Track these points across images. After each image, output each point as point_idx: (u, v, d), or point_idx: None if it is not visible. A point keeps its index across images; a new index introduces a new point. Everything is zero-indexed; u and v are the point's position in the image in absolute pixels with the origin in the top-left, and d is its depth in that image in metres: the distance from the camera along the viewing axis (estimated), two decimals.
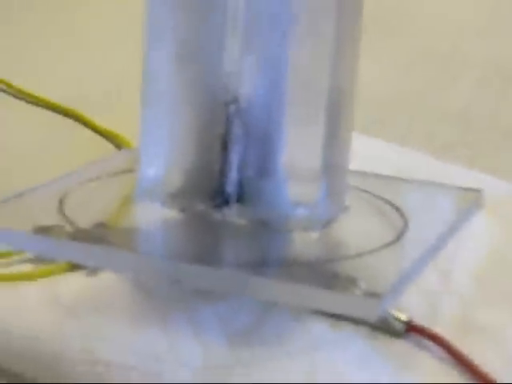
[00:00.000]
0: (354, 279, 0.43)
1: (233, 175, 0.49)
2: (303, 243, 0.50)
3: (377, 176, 0.58)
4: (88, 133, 0.73)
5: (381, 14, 0.49)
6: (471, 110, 0.74)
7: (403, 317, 0.47)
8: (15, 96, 0.79)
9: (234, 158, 0.49)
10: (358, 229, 0.51)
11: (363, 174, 0.57)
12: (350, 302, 0.41)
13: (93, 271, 0.52)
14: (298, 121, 0.48)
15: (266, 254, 0.49)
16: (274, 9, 0.48)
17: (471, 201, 0.56)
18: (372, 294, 0.40)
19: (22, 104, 0.77)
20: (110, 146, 0.71)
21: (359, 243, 0.49)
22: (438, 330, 0.47)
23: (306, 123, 0.48)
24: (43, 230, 0.49)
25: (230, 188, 0.49)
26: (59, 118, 0.75)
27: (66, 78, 0.82)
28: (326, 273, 0.45)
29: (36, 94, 0.77)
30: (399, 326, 0.47)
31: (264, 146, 0.49)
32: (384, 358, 0.46)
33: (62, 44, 0.89)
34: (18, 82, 0.78)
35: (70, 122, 0.75)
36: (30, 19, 0.95)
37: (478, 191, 0.56)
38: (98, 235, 0.50)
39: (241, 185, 0.49)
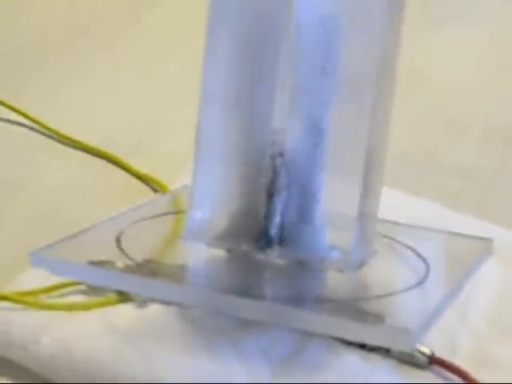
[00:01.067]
0: (383, 315, 0.49)
1: (276, 220, 0.54)
2: (337, 283, 0.55)
3: (398, 224, 0.63)
4: (123, 175, 0.77)
5: None
6: (476, 165, 0.78)
7: (427, 350, 0.52)
8: (59, 140, 0.82)
9: (278, 204, 0.54)
10: (385, 272, 0.57)
11: (386, 222, 0.61)
12: (388, 334, 0.46)
13: (142, 303, 0.56)
14: (338, 173, 0.53)
15: (303, 290, 0.54)
16: (318, 75, 0.53)
17: (482, 248, 0.61)
18: (404, 328, 0.46)
19: (64, 148, 0.82)
20: (143, 187, 0.75)
21: (387, 284, 0.54)
22: (457, 362, 0.52)
23: (344, 176, 0.53)
24: (100, 264, 0.54)
25: (273, 231, 0.54)
26: (97, 160, 0.80)
27: (104, 123, 0.85)
28: (358, 309, 0.51)
29: (75, 138, 0.81)
30: (423, 359, 0.52)
31: (305, 195, 0.54)
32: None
33: (101, 92, 0.92)
34: (61, 128, 0.82)
35: (106, 164, 0.79)
36: (68, 66, 0.98)
37: (488, 240, 0.62)
38: (149, 269, 0.55)
39: (282, 229, 0.54)
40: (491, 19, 1.09)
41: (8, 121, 0.84)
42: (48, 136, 0.83)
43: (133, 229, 0.59)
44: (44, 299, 0.57)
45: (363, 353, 0.52)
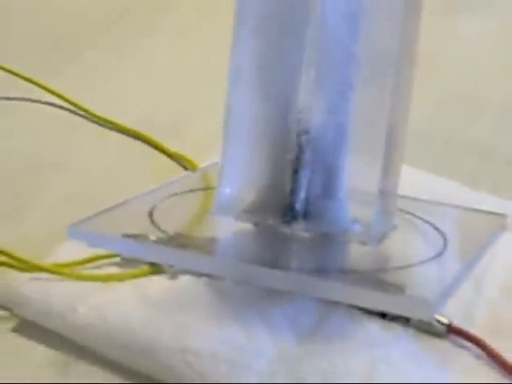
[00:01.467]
0: (404, 286, 0.48)
1: (301, 195, 0.52)
2: (359, 254, 0.53)
3: (417, 200, 0.61)
4: (156, 154, 0.75)
5: None
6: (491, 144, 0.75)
7: (445, 320, 0.50)
8: (95, 122, 0.80)
9: (303, 180, 0.52)
10: (405, 245, 0.55)
11: (406, 198, 0.59)
12: (408, 304, 0.45)
13: (174, 275, 0.55)
14: (360, 151, 0.51)
15: (328, 261, 0.53)
16: (343, 55, 0.51)
17: (498, 223, 0.59)
18: (424, 299, 0.44)
19: (100, 128, 0.79)
20: (175, 166, 0.73)
21: (407, 256, 0.53)
22: (474, 331, 0.50)
23: (366, 153, 0.51)
24: (133, 236, 0.52)
25: (298, 206, 0.52)
26: (131, 141, 0.77)
27: (139, 105, 0.83)
28: (379, 279, 0.49)
29: (111, 119, 0.79)
30: (441, 328, 0.50)
31: (329, 171, 0.52)
32: (429, 355, 0.49)
33: (136, 74, 0.90)
34: (97, 110, 0.80)
35: (140, 144, 0.77)
36: (106, 49, 0.96)
37: (503, 215, 0.59)
38: (180, 241, 0.53)
39: (307, 203, 0.52)
40: (503, 11, 1.05)
41: (47, 103, 0.82)
42: (85, 118, 0.81)
43: (164, 204, 0.57)
44: (80, 271, 0.56)
45: (384, 322, 0.50)
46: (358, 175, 0.52)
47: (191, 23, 0.90)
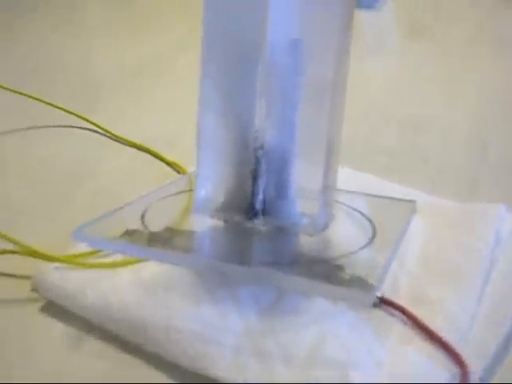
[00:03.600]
0: (347, 274, 0.38)
1: (260, 197, 0.43)
2: (308, 243, 0.43)
3: (347, 192, 0.50)
4: (159, 164, 0.64)
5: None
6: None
7: (379, 294, 0.40)
8: (114, 139, 0.69)
9: (261, 185, 0.43)
10: (343, 232, 0.45)
11: (339, 191, 0.48)
12: (350, 294, 0.36)
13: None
14: (305, 158, 0.42)
15: (282, 252, 0.43)
16: (289, 84, 0.41)
17: (410, 208, 0.49)
18: (367, 287, 0.36)
19: (118, 145, 0.69)
20: (174, 173, 0.62)
21: (346, 244, 0.43)
22: (400, 301, 0.40)
23: (311, 159, 0.42)
24: (129, 234, 0.43)
25: (258, 205, 0.43)
26: (139, 153, 0.67)
27: (148, 128, 0.73)
28: (326, 269, 0.39)
29: (126, 138, 0.69)
30: (376, 300, 0.40)
31: (281, 176, 0.43)
32: (368, 324, 0.39)
33: (147, 107, 0.79)
34: (117, 131, 0.70)
35: (147, 155, 0.66)
36: (127, 93, 0.86)
37: (413, 201, 0.50)
38: (166, 238, 0.44)
39: (265, 203, 0.43)
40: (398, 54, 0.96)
41: (82, 128, 0.71)
42: (108, 137, 0.70)
43: (155, 206, 0.47)
44: (92, 260, 0.46)
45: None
46: (305, 177, 0.42)
47: (188, 76, 0.80)
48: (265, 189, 0.42)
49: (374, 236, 0.42)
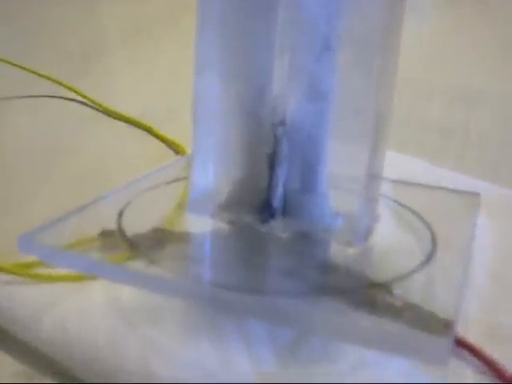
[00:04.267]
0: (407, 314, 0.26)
1: (279, 191, 0.31)
2: (345, 260, 0.31)
3: (392, 182, 0.38)
4: (155, 141, 0.53)
5: None
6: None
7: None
8: (102, 112, 0.59)
9: (281, 175, 0.30)
10: (393, 242, 0.32)
11: (384, 180, 0.35)
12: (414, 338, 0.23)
13: (151, 263, 0.31)
14: (345, 139, 0.30)
15: (310, 273, 0.30)
16: (323, 34, 0.29)
17: (474, 203, 0.37)
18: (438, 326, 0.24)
19: (106, 118, 0.59)
20: (171, 153, 0.51)
21: (398, 258, 0.31)
22: (470, 337, 0.28)
23: (352, 141, 0.30)
24: (104, 236, 0.32)
25: (276, 202, 0.31)
26: (134, 129, 0.56)
27: (141, 98, 0.64)
28: (374, 304, 0.27)
29: (118, 111, 0.58)
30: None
31: (308, 163, 0.30)
32: (428, 370, 0.26)
33: (142, 76, 0.70)
34: (108, 104, 0.60)
35: (141, 132, 0.55)
36: (121, 56, 0.79)
37: (477, 194, 0.38)
38: (152, 245, 0.31)
39: (285, 199, 0.31)
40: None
41: (64, 98, 0.62)
42: (97, 110, 0.60)
43: (139, 200, 0.35)
44: (52, 270, 0.33)
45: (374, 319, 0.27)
46: (342, 163, 0.30)
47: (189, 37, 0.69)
48: (285, 180, 0.30)
49: (434, 247, 0.31)
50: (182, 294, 0.27)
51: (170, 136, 0.52)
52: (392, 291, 0.28)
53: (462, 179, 0.44)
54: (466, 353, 0.28)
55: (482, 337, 0.29)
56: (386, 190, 0.36)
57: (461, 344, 0.28)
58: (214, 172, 0.32)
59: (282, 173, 0.30)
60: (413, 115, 0.58)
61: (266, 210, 0.30)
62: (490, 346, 0.28)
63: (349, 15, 0.29)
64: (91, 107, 0.60)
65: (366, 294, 0.27)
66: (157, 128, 0.54)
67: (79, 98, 0.61)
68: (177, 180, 0.38)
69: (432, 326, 0.26)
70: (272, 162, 0.30)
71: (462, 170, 0.46)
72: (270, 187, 0.30)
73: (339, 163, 0.30)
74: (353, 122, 0.29)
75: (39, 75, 0.63)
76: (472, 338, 0.29)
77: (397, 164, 0.44)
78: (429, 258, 0.29)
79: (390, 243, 0.32)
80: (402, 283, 0.27)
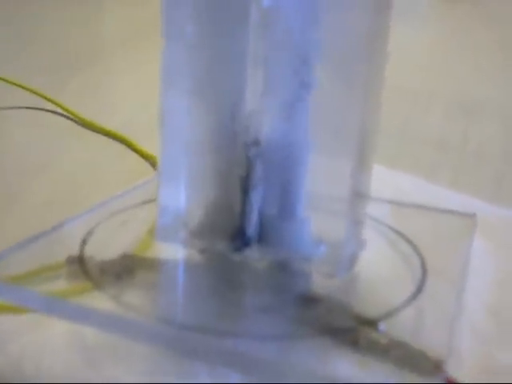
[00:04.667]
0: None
1: (253, 217, 0.28)
2: (326, 294, 0.27)
3: (380, 201, 0.35)
4: (133, 155, 0.51)
5: None
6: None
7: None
8: (76, 122, 0.57)
9: (255, 199, 0.28)
10: (378, 271, 0.30)
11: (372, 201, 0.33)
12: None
13: (117, 295, 0.28)
14: (327, 156, 0.27)
15: (286, 315, 0.27)
16: (299, 46, 0.26)
17: (468, 225, 0.34)
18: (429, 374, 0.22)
19: (83, 130, 0.56)
20: (150, 169, 0.48)
21: (384, 290, 0.28)
22: (466, 373, 0.25)
23: (335, 157, 0.27)
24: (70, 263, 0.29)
25: (251, 230, 0.28)
26: (113, 142, 0.54)
27: (120, 110, 0.62)
28: (355, 340, 0.25)
29: (96, 123, 0.56)
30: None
31: (286, 187, 0.28)
32: None
33: (123, 86, 0.70)
34: (83, 111, 0.58)
35: (120, 146, 0.53)
36: (102, 67, 0.76)
37: (472, 215, 0.35)
38: (120, 274, 0.29)
39: (261, 225, 0.28)
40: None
41: (43, 109, 0.60)
42: (75, 122, 0.58)
43: (108, 223, 0.33)
44: None
45: (359, 356, 0.25)
46: (323, 182, 0.27)
47: None
48: (261, 204, 0.27)
49: (424, 277, 0.28)
50: (147, 337, 0.24)
51: (149, 151, 0.49)
52: (377, 327, 0.26)
53: (458, 198, 0.42)
54: None
55: (475, 375, 0.27)
56: (373, 211, 0.34)
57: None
58: (184, 194, 0.29)
59: (256, 197, 0.27)
60: (408, 127, 0.56)
61: (239, 238, 0.28)
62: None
63: (329, 25, 0.26)
64: (71, 119, 0.57)
65: (350, 331, 0.25)
66: (136, 142, 0.51)
67: (59, 110, 0.58)
68: (149, 201, 0.36)
69: (422, 367, 0.23)
70: (246, 186, 0.27)
71: (458, 187, 0.44)
72: (244, 213, 0.27)
73: (321, 182, 0.28)
74: (335, 137, 0.26)
75: (20, 86, 0.61)
76: (465, 376, 0.26)
77: (388, 181, 0.42)
78: (418, 289, 0.27)
79: (377, 273, 0.29)
80: (389, 319, 0.25)
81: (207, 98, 0.27)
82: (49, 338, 0.28)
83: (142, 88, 0.66)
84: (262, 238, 0.28)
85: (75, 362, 0.26)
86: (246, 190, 0.27)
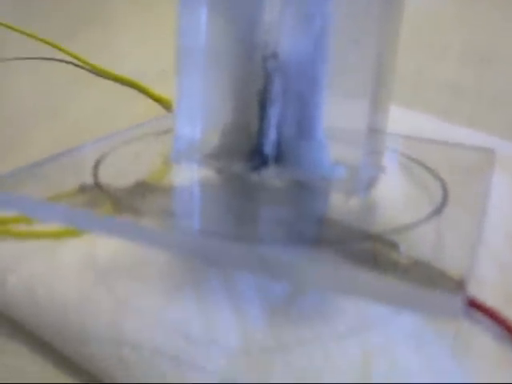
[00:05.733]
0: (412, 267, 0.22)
1: (271, 136, 0.27)
2: (344, 208, 0.27)
3: (403, 137, 0.35)
4: (145, 100, 0.50)
5: None
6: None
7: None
8: (91, 71, 0.57)
9: (273, 117, 0.27)
10: (398, 192, 0.29)
11: (392, 135, 0.33)
12: (420, 294, 0.20)
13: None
14: (343, 83, 0.26)
15: (305, 223, 0.27)
16: None
17: (487, 159, 0.34)
18: (449, 283, 0.20)
19: (96, 78, 0.56)
20: (163, 112, 0.48)
21: (404, 210, 0.27)
22: (487, 300, 0.25)
23: (351, 86, 0.26)
24: (83, 191, 0.28)
25: (268, 149, 0.27)
26: (122, 88, 0.53)
27: (132, 59, 0.61)
28: (377, 249, 0.24)
29: (107, 69, 0.55)
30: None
31: (304, 104, 0.27)
32: (439, 333, 0.24)
33: (137, 37, 0.68)
34: (95, 61, 0.57)
35: (133, 91, 0.52)
36: (112, 17, 0.77)
37: (491, 150, 0.35)
38: (135, 198, 0.28)
39: (279, 145, 0.27)
40: None
41: (58, 60, 0.59)
42: (87, 70, 0.57)
43: (119, 151, 0.32)
44: (25, 227, 0.30)
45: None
46: (341, 111, 0.26)
47: None
48: (279, 123, 0.27)
49: (445, 199, 0.28)
50: (171, 244, 0.23)
51: (162, 95, 0.48)
52: (398, 247, 0.26)
53: (476, 136, 0.41)
54: (479, 315, 0.25)
55: (497, 299, 0.26)
56: (394, 144, 0.33)
57: (474, 305, 0.25)
58: (200, 117, 0.28)
59: (274, 114, 0.26)
60: (424, 73, 0.55)
61: (257, 157, 0.27)
62: (506, 309, 0.25)
63: None
64: (82, 68, 0.56)
65: (368, 246, 0.24)
66: (148, 87, 0.50)
67: (71, 59, 0.57)
68: (163, 133, 0.35)
69: (443, 286, 0.23)
70: (263, 101, 0.26)
71: (475, 128, 0.43)
72: (262, 130, 0.27)
73: (338, 116, 0.27)
74: (352, 72, 0.26)
75: (37, 39, 0.60)
76: (487, 300, 0.26)
77: (407, 120, 0.41)
78: (438, 211, 0.26)
79: (396, 195, 0.28)
80: (407, 236, 0.24)
81: (225, 10, 0.26)
82: (61, 260, 0.28)
83: (154, 39, 0.65)
84: (280, 158, 0.27)
85: (86, 283, 0.26)
86: (263, 106, 0.26)
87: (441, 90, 0.52)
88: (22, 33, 0.61)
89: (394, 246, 0.25)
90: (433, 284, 0.22)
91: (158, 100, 0.48)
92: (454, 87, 0.52)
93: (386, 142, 0.30)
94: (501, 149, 0.37)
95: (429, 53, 0.60)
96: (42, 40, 0.60)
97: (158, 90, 0.50)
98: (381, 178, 0.29)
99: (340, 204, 0.27)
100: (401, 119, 0.41)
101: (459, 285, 0.21)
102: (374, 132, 0.27)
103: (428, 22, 0.68)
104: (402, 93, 0.47)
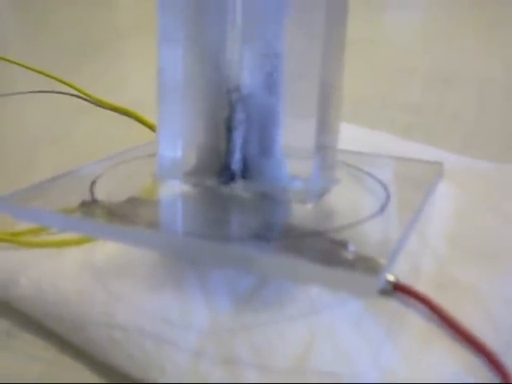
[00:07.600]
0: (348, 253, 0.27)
1: (237, 155, 0.33)
2: (300, 214, 0.33)
3: (358, 153, 0.41)
4: (141, 128, 0.55)
5: None
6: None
7: (391, 277, 0.30)
8: (87, 100, 0.62)
9: (238, 139, 0.32)
10: (348, 199, 0.35)
11: (348, 152, 0.39)
12: (349, 277, 0.24)
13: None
14: (294, 107, 0.31)
15: (268, 226, 0.32)
16: (269, 5, 0.31)
17: (434, 171, 0.39)
18: (373, 268, 0.24)
19: (91, 106, 0.61)
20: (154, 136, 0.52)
21: (351, 213, 0.32)
22: (421, 287, 0.30)
23: (300, 109, 0.31)
24: (85, 206, 0.33)
25: (235, 166, 0.33)
26: (119, 117, 0.58)
27: (130, 90, 0.66)
28: (325, 245, 0.28)
29: (105, 100, 0.61)
30: (387, 286, 0.30)
31: (264, 128, 0.32)
32: (376, 318, 0.29)
33: (133, 68, 0.74)
34: (96, 93, 0.62)
35: (128, 119, 0.57)
36: (113, 53, 0.81)
37: (438, 163, 0.40)
38: (128, 211, 0.33)
39: (245, 162, 0.33)
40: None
41: (58, 92, 0.64)
42: (84, 99, 0.62)
43: (113, 172, 0.38)
44: (31, 238, 0.36)
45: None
46: (293, 132, 0.32)
47: None
48: (243, 144, 0.32)
49: (387, 202, 0.32)
50: (157, 244, 0.28)
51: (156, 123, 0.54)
52: (346, 244, 0.30)
53: (429, 151, 0.45)
54: (410, 299, 0.29)
55: (430, 286, 0.30)
56: (349, 159, 0.38)
57: (404, 290, 0.29)
58: (179, 141, 0.34)
59: (239, 137, 0.32)
60: (388, 96, 0.59)
61: (226, 173, 0.32)
62: (438, 294, 0.30)
63: None
64: (83, 99, 0.62)
65: (319, 243, 0.29)
66: (144, 116, 0.55)
67: (72, 91, 0.63)
68: (152, 155, 0.40)
69: (366, 269, 0.26)
70: (229, 127, 0.32)
71: (430, 144, 0.47)
72: (229, 151, 0.32)
73: (292, 136, 0.32)
74: (300, 97, 0.30)
75: (37, 72, 0.66)
76: (421, 287, 0.30)
77: (366, 139, 0.46)
78: (380, 211, 0.31)
79: (347, 202, 0.33)
80: (350, 232, 0.29)
81: (195, 50, 0.32)
82: (63, 264, 0.33)
83: (151, 70, 0.73)
84: (246, 173, 0.33)
85: (84, 281, 0.31)
86: (229, 130, 0.32)
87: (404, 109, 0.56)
88: (28, 68, 0.66)
89: (343, 243, 0.30)
90: (359, 269, 0.26)
91: (151, 127, 0.53)
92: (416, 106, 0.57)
93: (338, 157, 0.35)
94: (451, 162, 0.42)
95: (396, 76, 0.65)
96: (42, 73, 0.65)
97: (152, 118, 0.54)
98: (334, 189, 0.34)
99: (298, 210, 0.32)
100: (363, 138, 0.46)
101: (376, 269, 0.25)
102: (325, 148, 0.32)
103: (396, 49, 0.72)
104: (368, 114, 0.52)
